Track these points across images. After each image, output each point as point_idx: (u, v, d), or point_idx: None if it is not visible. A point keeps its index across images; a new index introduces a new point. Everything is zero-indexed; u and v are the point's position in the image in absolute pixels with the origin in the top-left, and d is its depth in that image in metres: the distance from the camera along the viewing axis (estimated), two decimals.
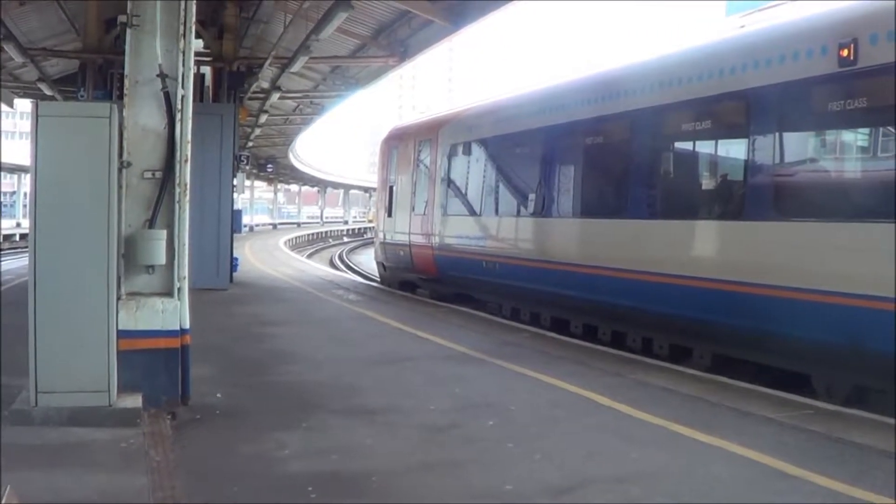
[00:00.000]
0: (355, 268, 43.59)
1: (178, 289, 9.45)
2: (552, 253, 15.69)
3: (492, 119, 19.01)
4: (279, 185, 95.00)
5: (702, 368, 12.36)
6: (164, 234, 9.33)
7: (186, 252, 9.51)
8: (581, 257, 14.78)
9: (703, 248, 12.30)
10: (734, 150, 12.26)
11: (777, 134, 11.18)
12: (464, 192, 19.76)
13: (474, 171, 19.24)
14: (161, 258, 9.34)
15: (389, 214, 23.92)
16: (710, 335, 12.21)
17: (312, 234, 74.27)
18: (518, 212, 17.16)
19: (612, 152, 14.62)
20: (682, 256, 12.49)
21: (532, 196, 16.60)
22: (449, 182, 20.48)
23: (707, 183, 13.06)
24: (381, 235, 24.85)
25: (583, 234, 15.00)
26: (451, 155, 20.44)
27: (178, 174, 9.39)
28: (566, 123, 15.55)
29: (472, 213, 19.13)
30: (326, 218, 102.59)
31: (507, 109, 18.59)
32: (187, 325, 9.44)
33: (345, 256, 54.25)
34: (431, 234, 21.04)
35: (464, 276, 19.58)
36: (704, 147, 13.03)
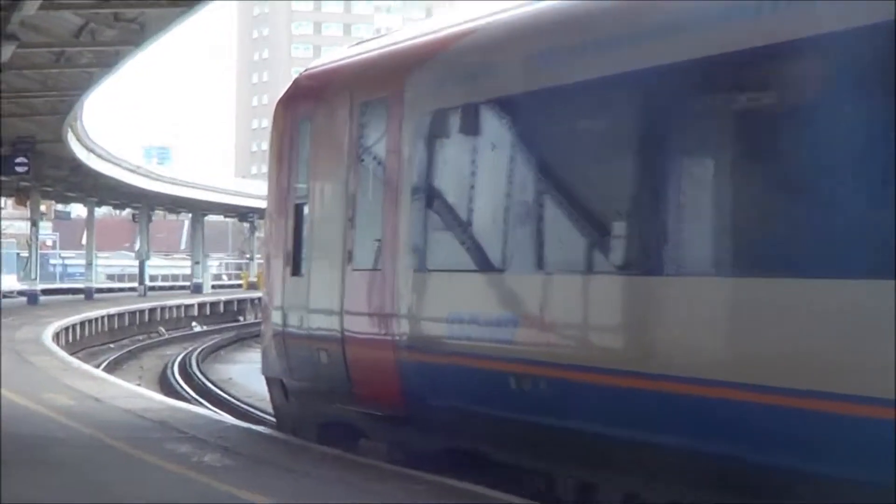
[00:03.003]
0: (218, 390, 27.81)
1: None
2: (692, 356, 9.45)
3: (543, 47, 11.46)
4: (45, 205, 57.45)
5: None
6: None
7: None
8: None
9: None
10: None
11: None
12: (468, 220, 12.16)
13: (495, 170, 11.85)
14: None
15: (296, 271, 14.57)
16: None
17: (121, 316, 45.35)
18: (596, 265, 10.63)
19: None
20: None
21: (637, 230, 10.21)
22: (432, 197, 12.49)
23: None
24: (276, 318, 14.99)
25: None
26: (433, 134, 12.58)
27: None
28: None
29: (489, 266, 11.83)
30: (155, 278, 66.98)
31: (593, 23, 10.97)
32: None
33: (195, 365, 34.06)
34: (393, 316, 12.73)
35: (467, 411, 12.05)
36: None
